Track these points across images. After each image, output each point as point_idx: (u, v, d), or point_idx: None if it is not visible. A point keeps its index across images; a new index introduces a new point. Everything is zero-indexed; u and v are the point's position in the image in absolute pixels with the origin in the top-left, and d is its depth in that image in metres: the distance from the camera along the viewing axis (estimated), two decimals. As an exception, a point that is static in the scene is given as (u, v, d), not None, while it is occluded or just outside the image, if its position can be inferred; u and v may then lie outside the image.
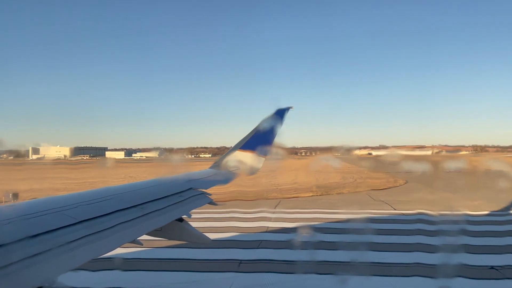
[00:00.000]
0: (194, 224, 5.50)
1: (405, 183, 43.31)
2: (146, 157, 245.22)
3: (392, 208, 25.19)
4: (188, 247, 14.28)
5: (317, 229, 18.25)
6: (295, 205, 26.81)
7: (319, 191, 35.28)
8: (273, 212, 23.53)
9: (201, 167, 9.00)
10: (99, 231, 3.59)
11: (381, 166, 79.53)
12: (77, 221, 3.57)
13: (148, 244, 14.25)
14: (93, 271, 12.45)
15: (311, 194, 33.64)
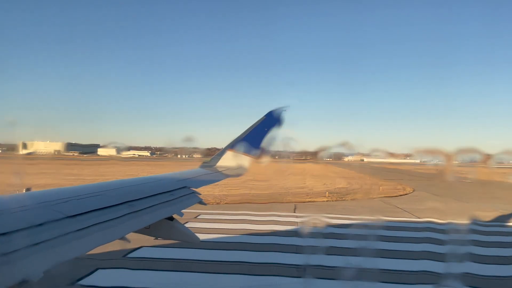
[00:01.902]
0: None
1: (413, 190, 42.97)
2: (138, 155, 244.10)
3: (414, 216, 25.05)
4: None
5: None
6: (315, 209, 26.51)
7: (333, 196, 34.78)
8: (296, 216, 23.55)
9: (193, 167, 9.00)
10: (86, 227, 3.55)
11: (379, 173, 78.63)
12: (64, 216, 3.53)
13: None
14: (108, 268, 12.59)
15: (325, 199, 33.09)
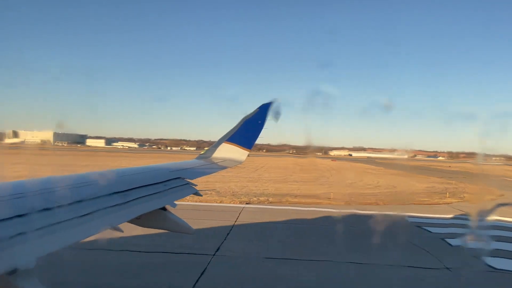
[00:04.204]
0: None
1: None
2: (128, 147, 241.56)
3: None
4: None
5: None
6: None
7: (453, 197, 31.20)
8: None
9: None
10: (80, 216, 3.52)
11: (410, 170, 72.19)
12: (57, 204, 3.49)
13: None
14: None
15: (451, 200, 29.49)
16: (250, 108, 9.92)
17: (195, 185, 6.07)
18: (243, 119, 9.68)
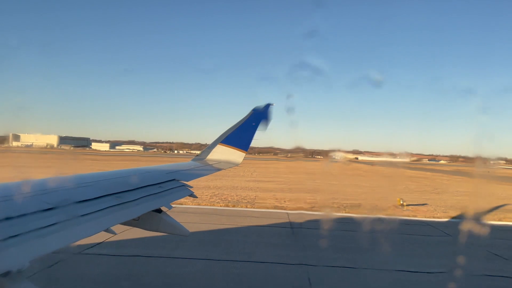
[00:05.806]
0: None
1: None
2: (137, 150, 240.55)
3: None
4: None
5: None
6: None
7: None
8: None
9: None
10: (73, 218, 3.52)
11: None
12: (51, 206, 3.49)
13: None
14: None
15: None
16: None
17: (191, 187, 6.08)
18: (238, 122, 9.78)
